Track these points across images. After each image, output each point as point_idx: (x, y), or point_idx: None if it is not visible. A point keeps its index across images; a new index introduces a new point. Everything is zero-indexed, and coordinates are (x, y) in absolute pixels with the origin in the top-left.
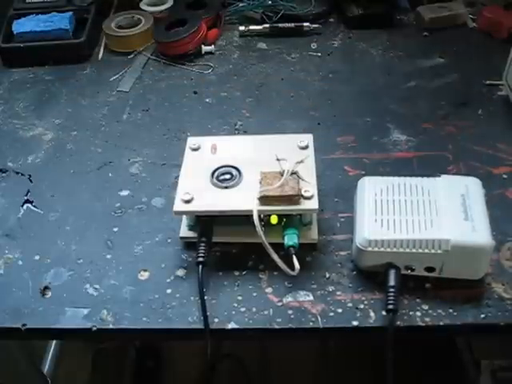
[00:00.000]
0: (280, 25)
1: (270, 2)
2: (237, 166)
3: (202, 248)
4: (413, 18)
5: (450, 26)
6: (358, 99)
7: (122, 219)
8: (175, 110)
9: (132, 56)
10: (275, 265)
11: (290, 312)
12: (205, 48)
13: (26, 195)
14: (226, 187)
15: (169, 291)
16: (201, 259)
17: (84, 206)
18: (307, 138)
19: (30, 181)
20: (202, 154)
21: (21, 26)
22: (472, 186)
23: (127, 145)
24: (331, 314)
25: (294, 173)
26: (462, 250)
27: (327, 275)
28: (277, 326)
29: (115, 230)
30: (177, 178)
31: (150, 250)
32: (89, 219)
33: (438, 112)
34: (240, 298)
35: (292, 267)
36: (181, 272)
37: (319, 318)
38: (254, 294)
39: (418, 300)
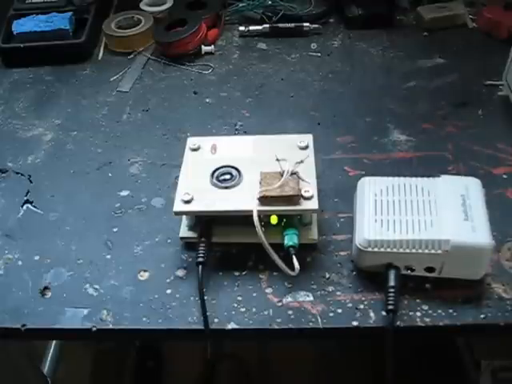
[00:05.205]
0: (280, 25)
1: (269, 2)
2: (237, 166)
3: (202, 248)
4: (413, 18)
5: (449, 26)
6: (358, 99)
7: (121, 219)
8: (175, 110)
9: (132, 56)
10: (275, 265)
11: (289, 312)
12: (205, 48)
13: (26, 195)
14: (226, 187)
15: (169, 291)
16: (201, 259)
17: (84, 207)
18: (307, 138)
19: (30, 181)
20: (202, 154)
21: (21, 26)
22: (472, 186)
23: (127, 145)
24: (331, 314)
25: (293, 173)
26: (462, 251)
27: (327, 275)
28: (277, 327)
29: (115, 230)
30: (177, 178)
31: (149, 250)
32: (89, 219)
33: (438, 112)
34: (240, 298)
35: (292, 267)
36: (181, 272)
37: (319, 319)
38: (254, 294)
39: (417, 300)
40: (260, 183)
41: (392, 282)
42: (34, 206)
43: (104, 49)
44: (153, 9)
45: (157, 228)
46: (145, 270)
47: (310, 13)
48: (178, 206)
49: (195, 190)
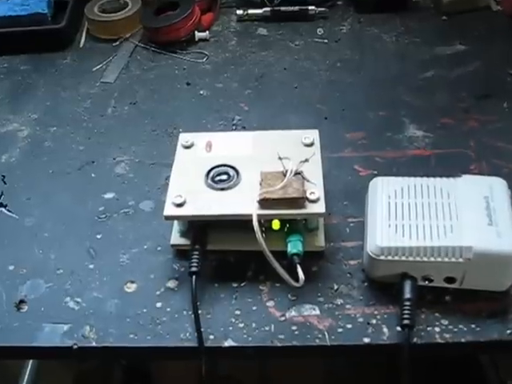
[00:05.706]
0: (282, 8)
1: None
2: (234, 166)
3: (196, 257)
4: (430, 0)
5: (471, 9)
6: (370, 91)
7: (106, 225)
8: (166, 103)
9: (117, 43)
10: (277, 275)
11: (293, 328)
12: (198, 34)
13: (0, 198)
14: (223, 189)
15: (159, 305)
16: (194, 269)
17: (64, 211)
18: (313, 134)
19: (4, 182)
20: (196, 152)
21: None
22: (496, 187)
23: (112, 142)
24: (340, 329)
25: (298, 173)
26: (486, 259)
27: (335, 287)
28: (279, 344)
29: (98, 236)
30: (167, 178)
31: (137, 259)
32: (69, 225)
33: (459, 105)
34: (238, 312)
35: (296, 278)
36: (172, 283)
37: (326, 335)
38: (254, 308)
39: (436, 314)
40: (260, 184)
41: (408, 294)
42: (9, 210)
43: (86, 35)
44: None
45: (145, 234)
46: (132, 281)
47: None
48: (169, 210)
49: (188, 192)
